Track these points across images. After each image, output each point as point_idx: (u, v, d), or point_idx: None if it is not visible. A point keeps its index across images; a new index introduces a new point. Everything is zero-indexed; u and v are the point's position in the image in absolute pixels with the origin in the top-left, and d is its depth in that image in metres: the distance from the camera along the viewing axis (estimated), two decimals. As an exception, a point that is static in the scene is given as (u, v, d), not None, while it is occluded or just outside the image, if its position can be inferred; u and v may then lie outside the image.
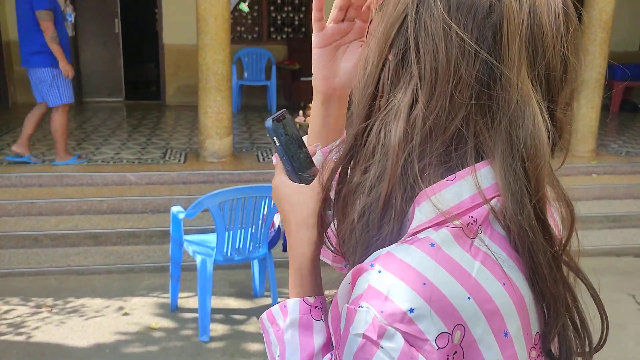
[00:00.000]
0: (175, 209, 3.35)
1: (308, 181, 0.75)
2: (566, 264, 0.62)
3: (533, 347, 0.59)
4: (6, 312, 3.45)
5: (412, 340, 0.52)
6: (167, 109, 8.05)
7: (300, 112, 5.80)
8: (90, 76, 8.24)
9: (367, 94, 0.63)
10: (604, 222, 4.94)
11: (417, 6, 0.59)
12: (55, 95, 4.96)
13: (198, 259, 3.22)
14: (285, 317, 0.71)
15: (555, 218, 0.64)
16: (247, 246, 3.30)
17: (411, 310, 0.52)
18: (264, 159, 5.47)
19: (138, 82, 9.13)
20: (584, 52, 5.67)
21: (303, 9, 8.69)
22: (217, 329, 3.33)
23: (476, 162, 0.59)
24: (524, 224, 0.57)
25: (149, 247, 4.29)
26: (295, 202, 0.72)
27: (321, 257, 0.77)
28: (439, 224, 0.57)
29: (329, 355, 0.65)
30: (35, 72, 4.95)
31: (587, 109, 5.74)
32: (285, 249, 0.78)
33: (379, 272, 0.54)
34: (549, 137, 0.59)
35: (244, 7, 4.78)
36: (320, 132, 0.83)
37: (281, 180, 0.75)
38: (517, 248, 0.58)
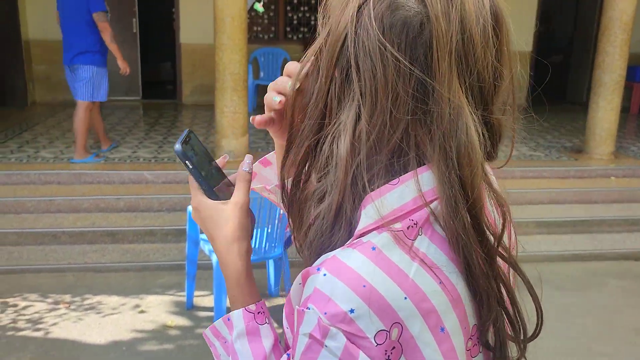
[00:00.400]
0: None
1: (226, 195, 0.78)
2: (504, 259, 0.65)
3: (470, 337, 0.63)
4: (24, 307, 3.49)
5: (353, 338, 0.56)
6: (184, 108, 8.10)
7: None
8: (108, 75, 8.29)
9: (318, 109, 0.65)
10: (623, 226, 4.88)
11: (355, 27, 0.62)
12: (88, 91, 5.12)
13: (214, 257, 3.23)
14: (231, 330, 0.76)
15: (493, 217, 0.68)
16: (263, 246, 3.31)
17: (351, 311, 0.56)
18: (279, 159, 5.47)
19: (155, 81, 9.19)
20: (603, 53, 5.60)
21: (319, 8, 8.67)
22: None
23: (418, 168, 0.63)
24: (458, 228, 0.60)
25: (164, 245, 4.32)
26: (220, 220, 0.77)
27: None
28: (382, 227, 0.60)
29: (285, 355, 0.68)
30: (77, 69, 5.06)
31: (606, 111, 5.67)
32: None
33: (324, 275, 0.58)
34: (482, 145, 0.62)
35: (259, 7, 4.79)
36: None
37: (200, 200, 0.78)
38: (453, 249, 0.62)
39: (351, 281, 0.57)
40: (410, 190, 0.62)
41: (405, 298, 0.57)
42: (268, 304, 3.67)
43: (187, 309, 3.52)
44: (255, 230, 3.24)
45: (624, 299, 3.84)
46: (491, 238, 0.63)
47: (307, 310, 0.58)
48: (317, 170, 0.65)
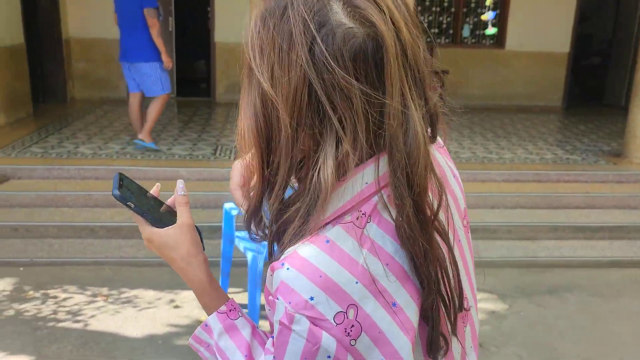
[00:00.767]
0: (228, 205, 3.41)
1: (170, 220, 0.87)
2: (436, 230, 0.71)
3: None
4: (64, 299, 3.59)
5: (315, 321, 0.65)
6: (217, 106, 8.20)
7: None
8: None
9: (291, 153, 0.69)
10: (663, 233, 4.76)
11: (315, 71, 0.64)
12: (158, 87, 5.34)
13: (249, 255, 3.27)
14: (211, 334, 0.84)
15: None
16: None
17: (311, 299, 0.64)
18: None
19: (189, 79, 9.32)
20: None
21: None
22: (266, 325, 3.38)
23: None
24: (404, 224, 0.67)
25: (199, 241, 4.38)
26: (174, 243, 0.85)
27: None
28: (334, 220, 0.69)
29: (270, 339, 0.75)
30: (140, 66, 5.25)
31: (647, 114, 5.53)
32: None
33: (287, 269, 0.66)
34: (425, 138, 0.69)
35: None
36: None
37: (151, 231, 0.86)
38: (398, 233, 0.69)
39: (309, 273, 0.65)
40: (357, 185, 0.69)
41: (357, 282, 0.66)
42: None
43: (221, 305, 3.56)
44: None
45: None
46: (429, 216, 0.70)
47: (277, 300, 0.67)
48: (296, 197, 0.72)
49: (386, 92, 0.66)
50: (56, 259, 4.09)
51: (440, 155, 0.87)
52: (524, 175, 5.41)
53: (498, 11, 8.18)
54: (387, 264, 0.68)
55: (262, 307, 3.45)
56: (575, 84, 9.49)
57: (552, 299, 3.79)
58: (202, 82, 9.48)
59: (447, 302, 0.73)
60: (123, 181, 0.86)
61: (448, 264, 0.73)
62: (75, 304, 3.53)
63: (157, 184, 0.96)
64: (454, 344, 0.78)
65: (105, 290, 3.72)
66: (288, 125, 0.67)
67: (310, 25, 0.64)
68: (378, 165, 0.69)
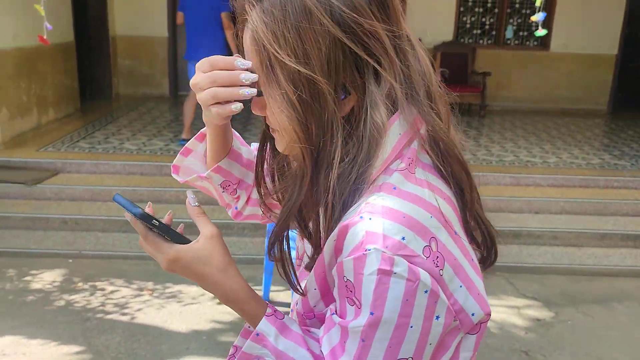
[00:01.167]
0: (272, 204, 3.43)
1: (183, 236, 0.81)
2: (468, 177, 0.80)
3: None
4: (112, 292, 3.67)
5: (411, 259, 0.67)
6: (257, 104, 8.25)
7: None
8: (186, 71, 8.58)
9: (341, 122, 0.73)
10: None
11: (342, 31, 0.70)
12: None
13: (293, 254, 3.28)
14: (266, 341, 0.79)
15: None
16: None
17: (403, 238, 0.68)
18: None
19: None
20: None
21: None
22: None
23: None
24: (446, 142, 0.77)
25: (241, 239, 4.43)
26: (207, 256, 0.79)
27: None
28: (385, 170, 0.73)
29: (328, 309, 0.77)
30: None
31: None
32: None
33: (370, 219, 0.69)
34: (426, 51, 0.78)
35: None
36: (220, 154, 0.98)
37: (177, 249, 0.80)
38: (440, 171, 0.77)
39: (392, 216, 0.69)
40: (395, 133, 0.74)
41: (431, 217, 0.71)
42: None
43: (263, 303, 3.59)
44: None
45: None
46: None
47: (368, 251, 0.67)
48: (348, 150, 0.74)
49: (398, 24, 0.75)
50: (103, 252, 4.19)
51: None
52: (569, 180, 5.28)
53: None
54: (444, 198, 0.74)
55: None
56: (620, 88, 9.22)
57: (600, 309, 3.69)
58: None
59: (482, 230, 0.81)
60: (144, 214, 0.79)
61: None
62: (122, 297, 3.61)
63: (149, 203, 0.88)
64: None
65: (150, 285, 3.79)
66: (332, 92, 0.70)
67: None
68: (405, 111, 0.74)
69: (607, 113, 8.77)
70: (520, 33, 8.80)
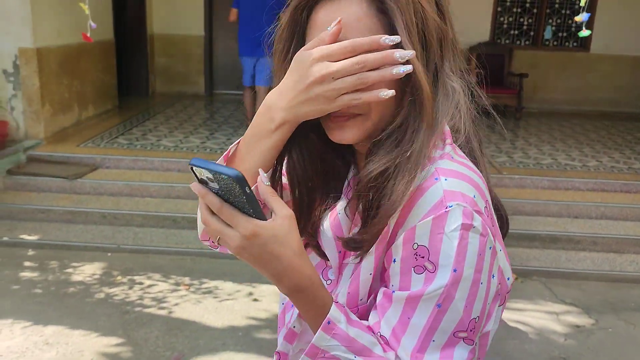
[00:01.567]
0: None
1: (264, 216, 0.71)
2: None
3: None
4: (149, 286, 3.74)
5: (481, 215, 0.73)
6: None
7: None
8: (221, 69, 8.69)
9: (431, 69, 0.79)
10: None
11: (442, 20, 0.80)
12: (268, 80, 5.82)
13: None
14: (336, 328, 0.74)
15: None
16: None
17: (474, 196, 0.74)
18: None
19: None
20: None
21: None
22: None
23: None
24: (475, 136, 0.88)
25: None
26: (285, 235, 0.70)
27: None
28: (436, 145, 0.78)
29: (380, 292, 0.78)
30: (265, 60, 5.63)
31: None
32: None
33: (445, 179, 0.74)
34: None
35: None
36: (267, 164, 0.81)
37: (256, 224, 0.69)
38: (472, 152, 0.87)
39: (462, 177, 0.75)
40: (442, 115, 0.79)
41: (482, 183, 0.78)
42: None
43: (298, 301, 3.60)
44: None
45: None
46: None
47: (450, 208, 0.72)
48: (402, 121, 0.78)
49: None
50: (141, 247, 4.27)
51: None
52: (610, 185, 5.16)
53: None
54: (478, 174, 0.80)
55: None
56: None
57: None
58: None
59: (498, 206, 0.87)
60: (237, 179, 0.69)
61: None
62: (160, 291, 3.67)
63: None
64: None
65: (187, 280, 3.84)
66: (426, 75, 0.75)
67: None
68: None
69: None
70: (560, 34, 8.63)
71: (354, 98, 0.71)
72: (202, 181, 0.69)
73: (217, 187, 0.67)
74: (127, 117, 6.93)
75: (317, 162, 0.86)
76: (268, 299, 3.62)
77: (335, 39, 0.72)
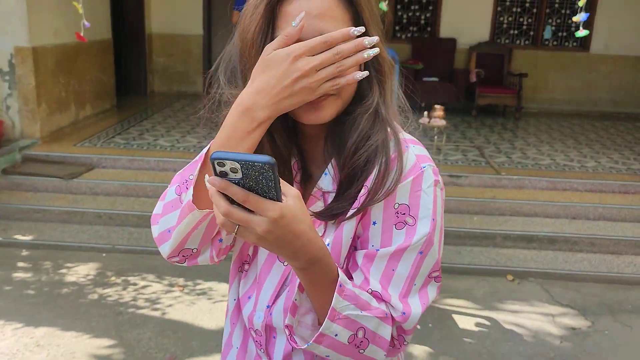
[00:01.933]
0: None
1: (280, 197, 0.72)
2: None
3: None
4: (143, 287, 3.72)
5: (437, 172, 0.89)
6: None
7: (425, 112, 5.71)
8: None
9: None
10: None
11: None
12: None
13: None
14: (345, 289, 0.81)
15: None
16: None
17: (431, 157, 0.91)
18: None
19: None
20: None
21: (430, 7, 8.54)
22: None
23: None
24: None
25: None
26: (300, 214, 0.73)
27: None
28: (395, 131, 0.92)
29: (360, 254, 0.87)
30: None
31: None
32: None
33: (413, 146, 0.90)
34: None
35: (384, 6, 4.77)
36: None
37: (280, 206, 0.69)
38: None
39: (419, 144, 0.92)
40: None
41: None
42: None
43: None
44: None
45: None
46: None
47: (424, 169, 0.87)
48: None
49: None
50: (135, 247, 4.25)
51: None
52: (608, 186, 5.13)
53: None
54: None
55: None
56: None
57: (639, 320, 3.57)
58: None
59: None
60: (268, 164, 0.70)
61: None
62: (154, 292, 3.65)
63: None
64: None
65: (181, 281, 3.82)
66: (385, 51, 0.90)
67: None
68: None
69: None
70: (559, 34, 8.60)
71: (333, 84, 0.79)
72: (221, 174, 0.69)
73: (240, 177, 0.68)
74: (124, 117, 6.91)
75: (271, 147, 0.91)
76: (262, 300, 3.60)
77: (301, 33, 0.78)
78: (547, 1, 8.47)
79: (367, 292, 0.85)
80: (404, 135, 0.92)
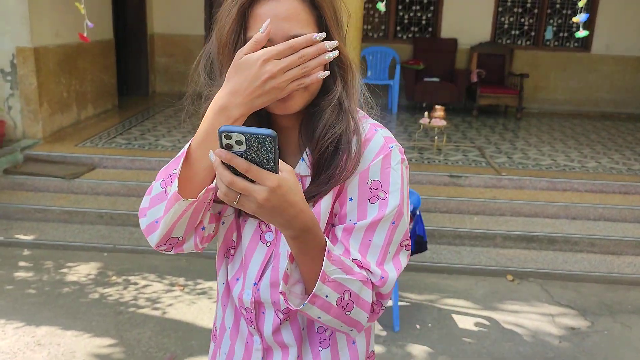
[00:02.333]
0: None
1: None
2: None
3: None
4: (144, 286, 3.73)
5: (402, 151, 1.01)
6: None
7: (426, 113, 5.72)
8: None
9: None
10: None
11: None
12: None
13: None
14: (333, 255, 0.89)
15: None
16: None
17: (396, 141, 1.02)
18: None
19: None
20: None
21: (431, 8, 8.55)
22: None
23: None
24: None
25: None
26: (295, 185, 0.81)
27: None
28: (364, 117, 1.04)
29: (339, 229, 0.97)
30: None
31: None
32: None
33: (380, 129, 1.01)
34: None
35: (381, 6, 4.78)
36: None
37: (278, 177, 0.78)
38: None
39: (384, 127, 1.03)
40: None
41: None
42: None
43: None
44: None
45: None
46: None
47: (391, 148, 0.98)
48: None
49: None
50: (136, 247, 4.26)
51: None
52: (609, 186, 5.13)
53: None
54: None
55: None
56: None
57: (639, 320, 3.57)
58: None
59: None
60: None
61: None
62: (154, 292, 3.66)
63: None
64: None
65: (181, 281, 3.83)
66: (346, 50, 0.99)
67: None
68: None
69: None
70: (560, 34, 8.60)
71: (299, 83, 0.87)
72: (226, 147, 0.76)
73: (243, 149, 0.76)
74: (126, 117, 6.93)
75: None
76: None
77: (268, 38, 0.87)
78: (548, 1, 8.47)
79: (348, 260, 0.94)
80: (371, 121, 1.03)
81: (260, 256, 1.03)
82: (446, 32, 8.45)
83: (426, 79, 7.94)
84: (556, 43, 8.64)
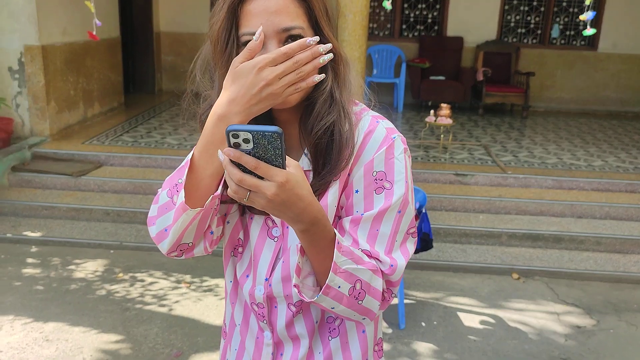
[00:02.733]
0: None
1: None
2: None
3: None
4: (151, 283, 3.75)
5: (404, 141, 1.01)
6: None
7: (432, 111, 5.72)
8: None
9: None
10: None
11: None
12: None
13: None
14: (342, 246, 0.90)
15: None
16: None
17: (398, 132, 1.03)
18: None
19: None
20: None
21: (437, 6, 8.54)
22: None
23: None
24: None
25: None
26: (302, 180, 0.83)
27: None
28: (354, 104, 1.05)
29: (346, 220, 0.98)
30: None
31: None
32: None
33: (382, 121, 1.02)
34: None
35: (387, 4, 4.78)
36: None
37: (286, 172, 0.80)
38: None
39: (385, 119, 1.03)
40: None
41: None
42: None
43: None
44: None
45: None
46: None
47: (394, 139, 0.99)
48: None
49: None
50: (143, 244, 4.29)
51: None
52: (615, 185, 5.12)
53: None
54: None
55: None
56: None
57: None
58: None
59: None
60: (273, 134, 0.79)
61: None
62: (161, 289, 3.68)
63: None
64: None
65: (188, 278, 3.85)
66: (339, 45, 1.00)
67: None
68: None
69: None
70: (567, 32, 8.57)
71: (296, 88, 0.88)
72: (234, 145, 0.78)
73: (251, 147, 0.77)
74: (132, 115, 6.96)
75: None
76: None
77: (262, 45, 0.89)
78: (554, 0, 8.44)
79: (358, 250, 0.96)
80: (372, 113, 1.04)
81: (269, 252, 1.04)
82: (452, 30, 8.44)
83: (432, 78, 7.93)
84: (562, 41, 8.62)
